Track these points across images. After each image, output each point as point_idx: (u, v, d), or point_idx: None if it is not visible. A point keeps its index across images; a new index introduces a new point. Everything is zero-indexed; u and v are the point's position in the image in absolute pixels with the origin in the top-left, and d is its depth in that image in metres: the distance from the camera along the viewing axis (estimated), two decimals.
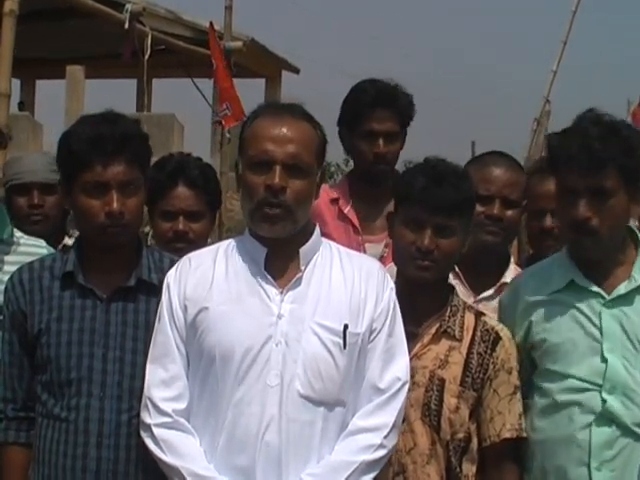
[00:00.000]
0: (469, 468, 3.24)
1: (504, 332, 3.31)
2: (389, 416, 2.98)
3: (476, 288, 3.79)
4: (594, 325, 3.22)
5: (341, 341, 2.94)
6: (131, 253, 3.19)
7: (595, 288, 3.24)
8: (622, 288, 3.22)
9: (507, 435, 3.24)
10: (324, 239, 3.16)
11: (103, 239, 3.10)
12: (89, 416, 3.04)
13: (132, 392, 3.07)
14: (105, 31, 13.58)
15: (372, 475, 2.96)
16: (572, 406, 3.20)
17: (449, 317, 3.29)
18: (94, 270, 3.15)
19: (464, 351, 3.25)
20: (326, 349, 2.93)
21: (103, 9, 12.61)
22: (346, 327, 2.95)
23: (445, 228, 3.22)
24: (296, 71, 20.33)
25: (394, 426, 2.99)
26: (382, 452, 2.97)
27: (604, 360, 3.18)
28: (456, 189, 3.23)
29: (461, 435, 3.22)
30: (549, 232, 4.01)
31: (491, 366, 3.25)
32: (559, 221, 3.37)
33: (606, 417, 3.16)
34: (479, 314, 3.36)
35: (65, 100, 17.06)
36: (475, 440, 3.26)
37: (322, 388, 2.92)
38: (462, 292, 3.74)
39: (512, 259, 3.97)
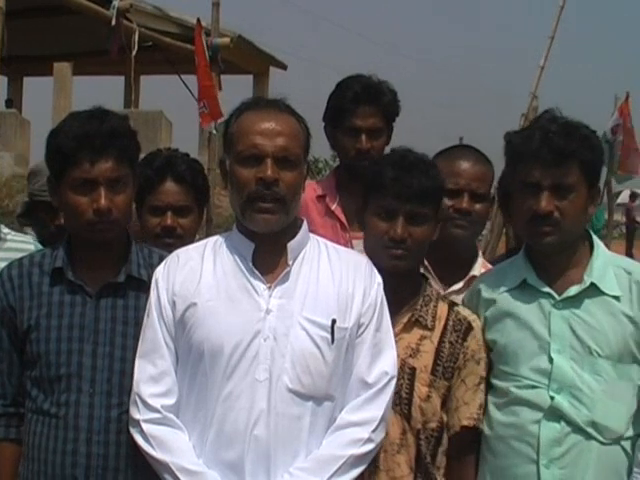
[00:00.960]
0: (443, 460, 3.27)
1: (477, 323, 3.34)
2: (377, 410, 3.00)
3: (445, 281, 3.80)
4: (543, 326, 3.24)
5: (329, 336, 2.96)
6: (120, 249, 3.20)
7: (546, 288, 3.27)
8: (572, 290, 3.24)
9: (465, 423, 3.26)
10: (311, 234, 3.17)
11: (91, 236, 3.11)
12: (79, 412, 3.05)
13: (122, 388, 3.07)
14: (92, 28, 13.55)
15: (360, 469, 2.98)
16: (522, 404, 3.22)
17: (421, 306, 3.31)
18: (83, 266, 3.16)
19: (435, 340, 3.27)
20: (314, 344, 2.95)
21: (90, 6, 12.58)
22: (334, 322, 2.97)
23: (417, 216, 3.25)
24: (284, 67, 20.33)
25: (382, 420, 3.01)
26: (370, 446, 2.98)
27: (551, 360, 3.21)
28: (426, 177, 3.26)
29: (433, 425, 3.24)
30: None
31: (461, 355, 3.27)
32: (517, 217, 3.34)
33: (555, 414, 3.18)
34: (452, 304, 3.39)
35: (53, 97, 17.04)
36: None
37: (310, 383, 2.94)
38: (432, 286, 3.76)
39: (480, 252, 3.98)
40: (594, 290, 3.24)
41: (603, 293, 3.24)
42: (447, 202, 3.68)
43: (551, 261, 3.29)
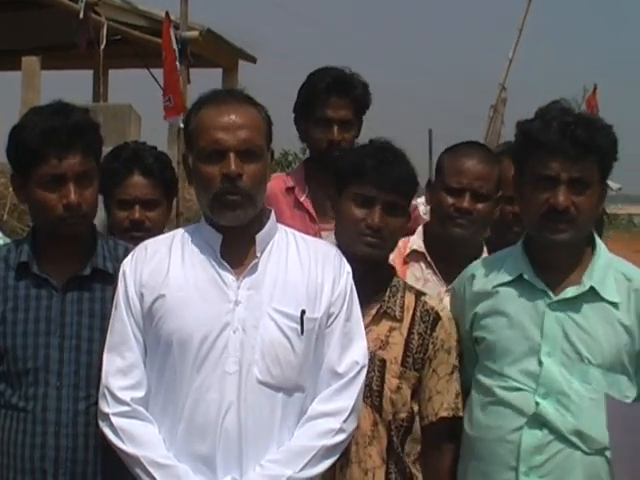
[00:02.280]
0: (413, 447, 3.28)
1: (444, 312, 3.35)
2: (348, 400, 3.00)
3: (449, 278, 3.77)
4: (536, 326, 3.16)
5: (298, 326, 2.96)
6: (86, 242, 3.19)
7: (543, 286, 3.18)
8: (570, 292, 3.15)
9: (444, 414, 3.27)
10: (279, 225, 3.17)
11: (61, 230, 3.10)
12: (47, 405, 3.04)
13: (89, 380, 3.07)
14: (60, 22, 13.45)
15: (332, 459, 2.99)
16: (506, 406, 3.16)
17: (389, 297, 3.31)
18: (49, 260, 3.14)
19: (404, 331, 3.28)
20: (284, 335, 2.95)
21: None
22: (303, 312, 2.96)
23: (394, 207, 3.27)
24: (253, 60, 20.27)
25: (353, 410, 3.01)
26: (342, 436, 2.98)
27: (540, 363, 3.13)
28: (405, 170, 3.30)
29: (403, 415, 3.25)
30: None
31: (431, 346, 3.28)
32: (528, 210, 3.23)
33: (538, 421, 3.11)
34: (419, 294, 3.39)
35: (21, 91, 16.91)
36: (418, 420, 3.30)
37: (280, 374, 2.93)
38: (434, 281, 3.77)
39: (485, 248, 3.91)
40: (593, 294, 3.15)
41: (602, 298, 3.15)
42: (449, 200, 3.69)
43: (551, 257, 3.20)
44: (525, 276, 3.22)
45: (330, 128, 4.21)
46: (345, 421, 2.98)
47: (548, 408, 3.11)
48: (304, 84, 4.35)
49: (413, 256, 3.85)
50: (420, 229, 3.94)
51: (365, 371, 3.07)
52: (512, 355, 3.18)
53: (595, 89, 14.51)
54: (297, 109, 4.37)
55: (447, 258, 3.76)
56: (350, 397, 3.01)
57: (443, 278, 3.79)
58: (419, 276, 3.78)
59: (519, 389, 3.15)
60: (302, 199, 4.34)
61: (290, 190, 4.39)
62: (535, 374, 3.14)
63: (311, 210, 4.32)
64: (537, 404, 3.11)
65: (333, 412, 2.98)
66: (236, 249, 3.02)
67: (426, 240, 3.86)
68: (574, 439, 3.10)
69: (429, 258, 3.82)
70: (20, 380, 3.06)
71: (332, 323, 3.04)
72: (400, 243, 3.82)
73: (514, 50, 14.02)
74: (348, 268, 3.13)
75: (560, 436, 3.10)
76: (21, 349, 3.06)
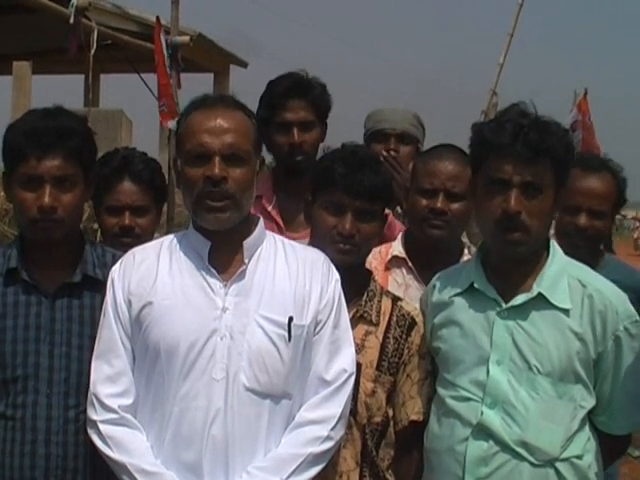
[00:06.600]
0: (387, 452, 3.29)
1: (420, 317, 3.35)
2: (336, 408, 3.00)
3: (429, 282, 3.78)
4: (486, 334, 3.11)
5: (286, 333, 2.95)
6: (74, 249, 3.18)
7: (493, 295, 3.13)
8: (519, 299, 3.09)
9: (414, 417, 3.28)
10: (268, 232, 3.17)
11: (35, 234, 3.08)
12: (36, 413, 3.03)
13: (79, 388, 3.06)
14: (51, 26, 13.44)
15: (319, 467, 2.98)
16: (455, 417, 3.13)
17: (366, 302, 3.32)
18: (38, 266, 3.13)
19: (380, 336, 3.29)
20: (271, 342, 2.94)
21: (48, 4, 12.48)
22: (291, 319, 2.96)
23: (366, 213, 3.27)
24: (244, 65, 20.28)
25: (341, 417, 3.00)
26: (329, 444, 2.98)
27: (488, 372, 3.08)
28: (376, 174, 3.28)
29: (378, 419, 3.26)
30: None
31: (406, 351, 3.29)
32: (482, 216, 3.15)
33: (483, 431, 3.06)
34: (396, 299, 3.41)
35: (12, 96, 16.89)
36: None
37: (267, 381, 2.93)
38: (416, 287, 3.77)
39: (466, 250, 3.92)
40: (543, 301, 3.09)
41: (552, 305, 3.08)
42: (423, 202, 3.69)
43: (504, 264, 3.15)
44: (476, 285, 3.19)
45: (290, 131, 4.22)
46: (333, 429, 2.98)
47: (493, 418, 3.06)
48: (263, 93, 4.36)
49: (394, 262, 3.85)
50: (400, 235, 3.95)
51: (353, 378, 3.06)
52: (463, 365, 3.15)
53: (586, 93, 14.50)
54: (259, 117, 4.38)
55: (428, 263, 3.75)
56: (338, 404, 3.00)
57: (425, 283, 3.76)
58: (401, 282, 3.80)
59: (468, 399, 3.12)
60: (269, 208, 4.31)
61: (257, 199, 4.38)
62: (483, 383, 3.10)
63: (279, 220, 4.29)
64: (482, 413, 3.07)
65: (321, 419, 2.98)
66: (224, 256, 3.02)
67: (407, 246, 3.86)
68: (520, 450, 3.04)
69: (410, 264, 3.83)
70: (7, 388, 3.04)
71: (320, 330, 3.04)
72: (382, 249, 3.84)
73: (505, 55, 14.04)
74: (337, 275, 3.13)
75: (506, 447, 3.05)
76: (10, 356, 3.04)
